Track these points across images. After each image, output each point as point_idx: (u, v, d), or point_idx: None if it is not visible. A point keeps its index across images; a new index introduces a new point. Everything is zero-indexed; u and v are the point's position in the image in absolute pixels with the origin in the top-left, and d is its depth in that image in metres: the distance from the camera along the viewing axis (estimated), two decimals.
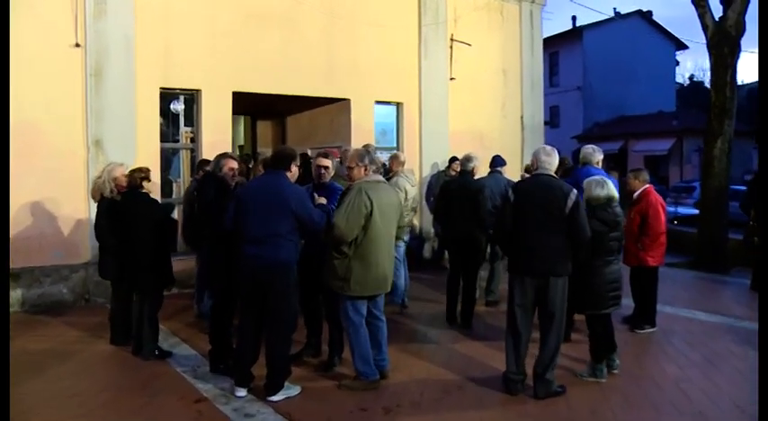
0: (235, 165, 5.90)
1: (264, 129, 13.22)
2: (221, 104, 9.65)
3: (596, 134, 36.36)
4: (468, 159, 7.87)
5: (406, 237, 8.22)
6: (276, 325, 5.08)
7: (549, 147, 5.40)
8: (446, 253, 11.61)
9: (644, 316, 7.18)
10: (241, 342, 5.20)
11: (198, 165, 7.99)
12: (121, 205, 6.26)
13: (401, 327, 7.48)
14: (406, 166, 11.37)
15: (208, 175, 6.10)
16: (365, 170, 5.32)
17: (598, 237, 5.37)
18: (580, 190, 5.55)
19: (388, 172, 8.52)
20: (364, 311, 5.37)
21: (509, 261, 5.42)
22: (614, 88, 38.34)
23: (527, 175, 8.27)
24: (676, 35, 40.54)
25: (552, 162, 5.28)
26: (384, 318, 5.57)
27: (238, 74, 9.76)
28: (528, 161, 13.06)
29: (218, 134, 9.58)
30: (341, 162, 7.20)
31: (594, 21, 38.86)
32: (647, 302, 7.20)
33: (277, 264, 5.00)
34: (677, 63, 43.30)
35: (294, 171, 5.27)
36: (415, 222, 11.47)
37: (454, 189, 7.71)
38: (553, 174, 5.29)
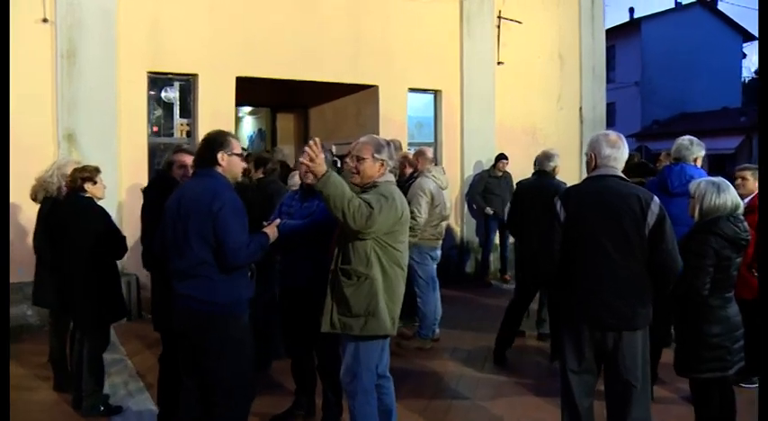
0: (188, 160, 4.34)
1: (286, 123, 11.73)
2: (222, 91, 8.15)
3: (655, 132, 34.07)
4: (547, 157, 6.26)
5: (435, 253, 6.55)
6: (216, 397, 3.44)
7: (613, 135, 3.54)
8: (488, 267, 10.02)
9: (754, 365, 5.33)
10: (181, 416, 3.61)
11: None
12: (58, 211, 4.82)
13: (426, 372, 5.85)
14: (443, 163, 9.86)
15: (157, 176, 4.57)
16: (381, 167, 3.66)
17: (722, 264, 3.69)
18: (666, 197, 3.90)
19: (404, 171, 6.95)
20: (379, 368, 3.74)
21: (559, 304, 3.74)
22: (675, 83, 35.95)
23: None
24: (743, 25, 37.74)
25: (620, 156, 3.50)
26: (391, 377, 3.91)
27: (243, 55, 8.24)
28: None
29: (217, 125, 7.94)
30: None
31: (653, 12, 36.76)
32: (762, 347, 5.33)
33: (205, 310, 3.39)
34: (744, 55, 40.42)
35: (228, 164, 3.51)
36: (455, 227, 9.85)
37: (528, 194, 6.14)
38: (621, 174, 3.53)
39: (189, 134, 8.17)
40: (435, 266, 6.66)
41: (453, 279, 9.52)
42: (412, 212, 6.07)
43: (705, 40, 36.09)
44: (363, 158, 3.59)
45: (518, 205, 6.21)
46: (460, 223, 10.12)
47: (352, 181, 3.68)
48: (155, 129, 8.02)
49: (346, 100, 10.17)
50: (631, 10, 39.94)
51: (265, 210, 4.76)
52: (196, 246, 3.28)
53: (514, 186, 9.44)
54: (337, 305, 3.53)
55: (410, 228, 6.05)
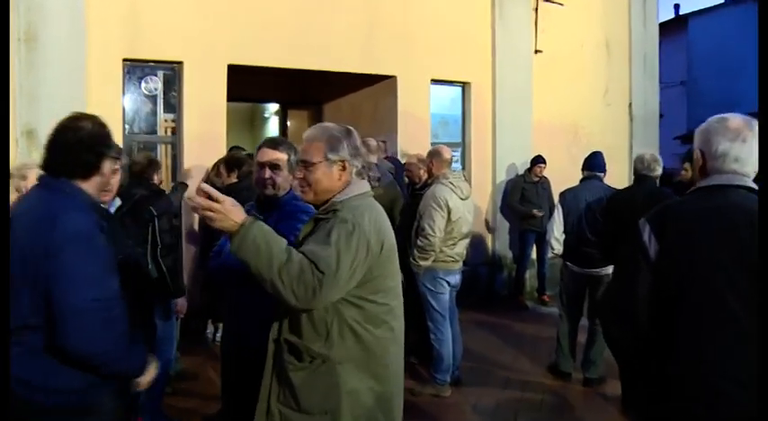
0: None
1: (298, 120, 10.57)
2: (212, 82, 7.01)
3: None
4: (655, 159, 4.98)
5: (453, 279, 5.30)
6: None
7: (736, 119, 2.11)
8: (525, 286, 8.70)
9: None
10: None
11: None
12: None
13: None
14: (471, 167, 8.60)
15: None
16: (342, 171, 2.41)
17: None
18: None
19: (419, 176, 5.78)
20: None
21: (646, 404, 2.14)
22: (723, 83, 33.73)
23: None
24: None
25: (746, 154, 2.08)
26: None
27: (236, 40, 7.09)
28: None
29: (207, 122, 6.95)
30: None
31: (701, 8, 34.89)
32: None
33: (18, 397, 2.10)
34: None
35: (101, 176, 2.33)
36: (485, 240, 8.59)
37: (630, 207, 4.44)
38: (752, 184, 2.09)
39: (174, 131, 7.05)
40: (455, 293, 5.42)
41: (482, 299, 8.26)
42: (423, 229, 4.86)
43: (756, 37, 34.06)
44: (312, 164, 2.37)
45: (614, 224, 4.72)
46: (491, 235, 8.83)
47: (304, 199, 2.48)
48: (131, 126, 6.90)
49: (362, 94, 8.97)
50: (677, 6, 38.06)
51: None
52: (18, 301, 2.06)
53: (553, 193, 8.24)
54: (279, 388, 2.30)
55: (422, 248, 4.90)
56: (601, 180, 5.76)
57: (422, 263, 5.09)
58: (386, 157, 7.12)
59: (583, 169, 5.87)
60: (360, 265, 2.19)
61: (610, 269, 5.20)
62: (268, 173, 3.03)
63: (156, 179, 4.71)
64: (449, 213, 5.03)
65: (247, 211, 3.08)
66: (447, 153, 5.33)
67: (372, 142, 5.54)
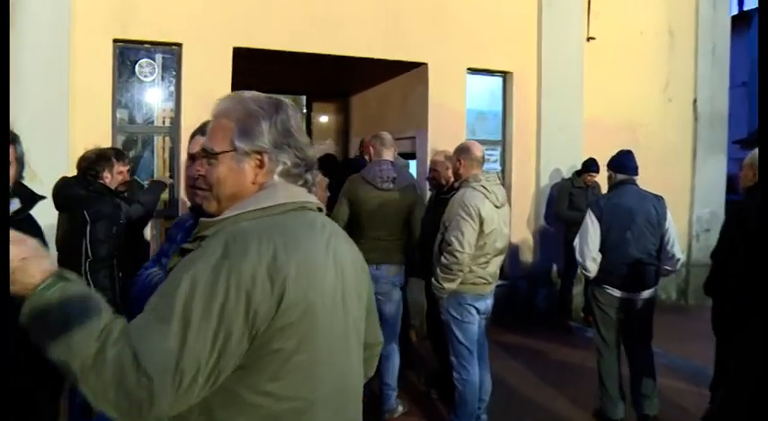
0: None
1: (324, 114, 9.72)
2: (216, 67, 6.17)
3: None
4: None
5: (484, 304, 4.33)
6: None
7: None
8: (569, 300, 7.67)
9: None
10: None
11: None
12: None
13: None
14: (511, 168, 7.60)
15: None
16: (258, 168, 1.54)
17: None
18: None
19: (445, 178, 4.86)
20: None
21: None
22: None
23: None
24: None
25: None
26: None
27: (244, 20, 6.26)
28: (703, 164, 8.75)
29: (208, 111, 6.07)
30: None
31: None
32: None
33: None
34: None
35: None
36: (526, 252, 7.62)
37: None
38: None
39: (173, 121, 6.24)
40: (486, 321, 4.46)
41: (520, 318, 7.26)
42: (449, 244, 3.93)
43: None
44: (215, 155, 1.51)
45: (736, 241, 3.83)
46: (533, 245, 7.81)
47: (206, 210, 1.57)
48: (124, 115, 6.11)
49: (390, 84, 8.06)
50: (740, 2, 36.12)
51: None
52: None
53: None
54: None
55: (447, 267, 3.97)
56: (637, 185, 4.74)
57: (446, 285, 4.14)
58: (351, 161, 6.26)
59: (614, 170, 4.81)
60: (231, 341, 1.28)
61: (647, 292, 4.62)
62: (200, 169, 2.12)
63: (107, 177, 3.90)
64: (481, 224, 4.08)
65: (179, 224, 2.23)
66: (477, 150, 4.35)
67: (387, 136, 4.62)
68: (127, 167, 4.61)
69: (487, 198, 4.16)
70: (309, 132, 9.71)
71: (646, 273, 4.56)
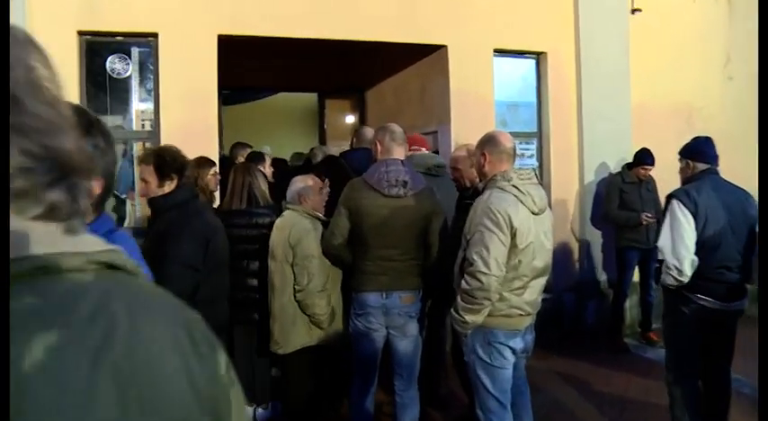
0: None
1: (338, 111, 8.80)
2: (198, 59, 5.31)
3: None
4: None
5: (520, 342, 3.31)
6: None
7: None
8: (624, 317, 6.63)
9: None
10: None
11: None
12: None
13: None
14: (550, 165, 6.59)
15: None
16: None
17: None
18: None
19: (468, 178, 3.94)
20: None
21: None
22: None
23: None
24: None
25: None
26: None
27: (227, 2, 5.37)
28: None
29: (193, 111, 5.26)
30: None
31: None
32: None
33: None
34: None
35: None
36: (572, 258, 6.63)
37: None
38: None
39: (152, 125, 5.37)
40: (525, 361, 3.47)
41: (567, 337, 6.25)
42: (471, 263, 2.98)
43: None
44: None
45: None
46: (579, 252, 6.78)
47: None
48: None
49: (408, 73, 7.10)
50: None
51: None
52: None
53: (661, 197, 6.17)
54: None
55: (468, 294, 3.01)
56: (720, 175, 3.91)
57: (469, 318, 3.17)
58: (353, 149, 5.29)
59: (691, 159, 3.95)
60: None
61: (741, 303, 3.80)
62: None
63: None
64: (513, 236, 3.11)
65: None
66: (506, 140, 3.37)
67: (397, 129, 3.66)
68: None
69: (521, 201, 3.18)
70: (323, 133, 8.83)
71: (742, 279, 3.75)
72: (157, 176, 2.99)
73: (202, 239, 2.91)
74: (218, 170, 4.85)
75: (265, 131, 12.70)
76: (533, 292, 3.27)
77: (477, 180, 3.87)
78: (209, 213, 3.07)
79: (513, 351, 3.25)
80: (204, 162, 4.79)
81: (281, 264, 3.86)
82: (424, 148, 4.86)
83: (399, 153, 3.63)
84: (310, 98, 9.44)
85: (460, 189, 4.02)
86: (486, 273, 3.06)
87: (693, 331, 3.73)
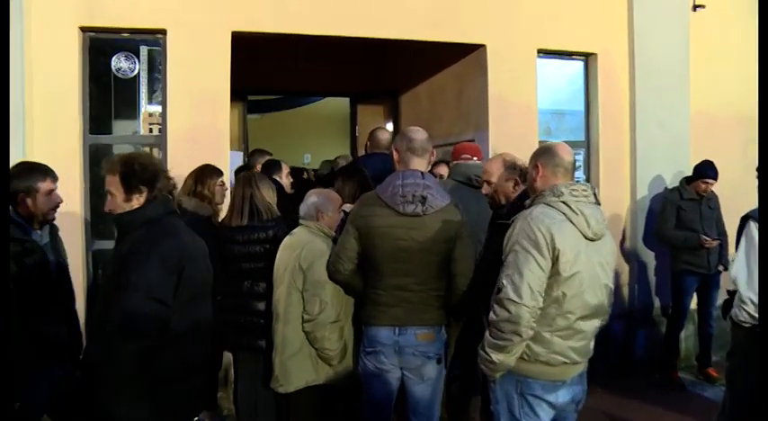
0: None
1: (370, 117, 8.28)
2: (210, 58, 4.86)
3: None
4: None
5: (566, 396, 2.73)
6: None
7: None
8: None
9: None
10: None
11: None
12: None
13: None
14: (598, 178, 5.98)
15: None
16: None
17: None
18: None
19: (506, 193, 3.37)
20: None
21: None
22: None
23: None
24: None
25: None
26: None
27: None
28: None
29: (201, 115, 4.81)
30: None
31: None
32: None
33: None
34: None
35: None
36: (620, 283, 6.02)
37: None
38: None
39: (161, 129, 4.94)
40: (573, 417, 2.87)
41: (615, 370, 5.62)
42: (500, 289, 2.41)
43: None
44: None
45: None
46: (630, 276, 6.12)
47: None
48: (97, 123, 4.87)
49: (444, 76, 6.55)
50: None
51: None
52: None
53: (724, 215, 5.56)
54: None
55: (497, 328, 2.50)
56: None
57: (496, 357, 2.61)
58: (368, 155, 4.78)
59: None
60: None
61: None
62: None
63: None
64: (555, 261, 2.56)
65: None
66: (565, 153, 2.82)
67: (418, 135, 3.10)
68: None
69: (571, 221, 2.63)
70: (354, 140, 8.34)
71: None
72: (123, 189, 2.51)
73: (174, 265, 2.41)
74: (225, 180, 4.39)
75: (304, 139, 12.29)
76: (583, 337, 2.70)
77: (514, 195, 3.32)
78: (186, 233, 2.56)
79: (552, 405, 2.67)
80: (210, 171, 4.33)
81: (286, 289, 3.36)
82: (475, 158, 4.35)
83: (419, 165, 3.07)
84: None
85: (494, 206, 3.45)
86: (516, 302, 2.52)
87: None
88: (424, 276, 2.97)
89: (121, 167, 2.51)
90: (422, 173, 3.01)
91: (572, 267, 2.60)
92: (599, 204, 2.79)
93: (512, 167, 3.33)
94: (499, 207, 3.41)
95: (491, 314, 2.61)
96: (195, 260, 2.52)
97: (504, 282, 2.56)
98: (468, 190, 4.04)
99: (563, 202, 2.67)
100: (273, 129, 11.84)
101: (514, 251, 2.60)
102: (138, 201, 2.51)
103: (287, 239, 3.47)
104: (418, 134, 3.10)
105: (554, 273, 2.59)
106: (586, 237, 2.67)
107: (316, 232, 3.39)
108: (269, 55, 7.03)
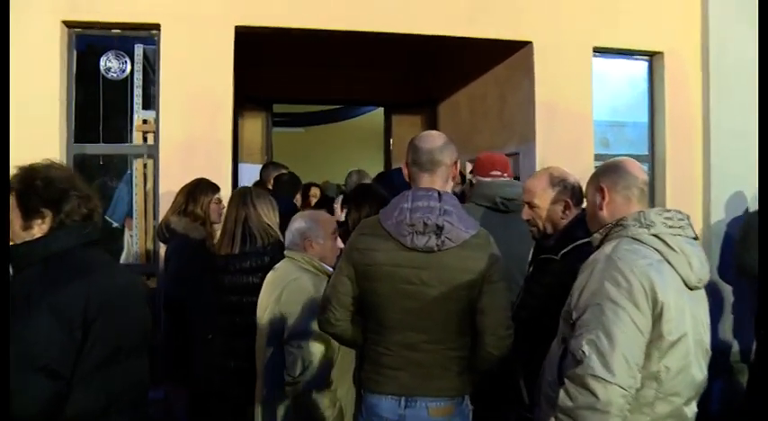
0: None
1: (405, 128, 7.53)
2: (209, 56, 4.22)
3: None
4: None
5: None
6: None
7: None
8: None
9: None
10: None
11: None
12: None
13: None
14: (677, 195, 5.14)
15: None
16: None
17: None
18: None
19: (537, 223, 2.64)
20: None
21: None
22: None
23: None
24: None
25: None
26: None
27: None
28: None
29: (200, 122, 4.17)
30: None
31: None
32: None
33: None
34: None
35: None
36: None
37: None
38: None
39: (155, 137, 4.31)
40: None
41: None
42: (580, 360, 1.63)
43: None
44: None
45: None
46: None
47: None
48: (83, 130, 4.28)
49: (485, 80, 5.80)
50: None
51: None
52: None
53: None
54: None
55: (571, 416, 1.84)
56: None
57: None
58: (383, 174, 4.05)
59: None
60: None
61: None
62: None
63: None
64: (656, 318, 1.86)
65: None
66: (637, 170, 2.13)
67: (428, 143, 2.31)
68: None
69: (669, 262, 1.93)
70: (388, 154, 7.63)
71: None
72: (21, 212, 1.84)
73: (76, 318, 1.70)
74: (223, 197, 3.75)
75: (341, 152, 11.63)
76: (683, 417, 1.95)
77: (564, 222, 2.54)
78: (106, 271, 1.85)
79: None
80: (205, 186, 3.71)
81: (265, 340, 2.66)
82: (506, 174, 3.57)
83: (429, 182, 2.31)
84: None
85: (537, 236, 2.66)
86: (605, 381, 1.78)
87: None
88: (439, 332, 2.20)
89: (18, 184, 1.84)
90: (438, 193, 2.26)
91: (678, 328, 1.88)
92: (697, 239, 2.03)
93: (561, 185, 2.56)
94: (544, 236, 2.63)
95: (562, 397, 1.84)
96: (113, 309, 1.81)
97: (586, 349, 1.81)
98: (493, 215, 3.27)
99: (656, 236, 1.95)
100: (316, 143, 11.24)
101: (597, 305, 1.86)
102: (39, 228, 1.84)
103: (269, 275, 2.78)
104: (427, 142, 2.32)
105: (654, 337, 1.85)
106: (688, 285, 1.94)
107: (303, 266, 2.68)
108: (294, 60, 6.44)
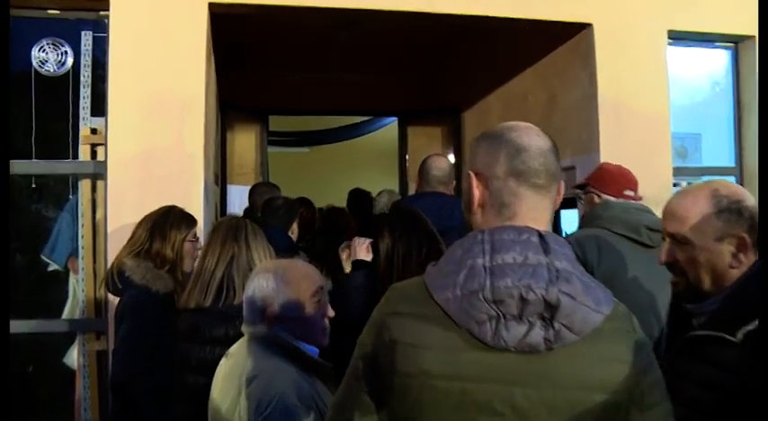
0: None
1: (426, 139, 6.50)
2: (177, 44, 3.20)
3: None
4: None
5: None
6: None
7: None
8: None
9: None
10: None
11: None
12: None
13: None
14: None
15: None
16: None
17: None
18: None
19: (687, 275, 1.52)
20: None
21: None
22: None
23: None
24: None
25: None
26: None
27: None
28: None
29: (161, 132, 3.14)
30: None
31: None
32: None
33: None
34: None
35: None
36: None
37: None
38: None
39: (106, 152, 3.29)
40: None
41: None
42: None
43: None
44: None
45: None
46: None
47: None
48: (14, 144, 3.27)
49: (527, 77, 4.76)
50: None
51: None
52: None
53: None
54: None
55: None
56: None
57: None
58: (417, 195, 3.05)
59: None
60: None
61: None
62: None
63: None
64: None
65: None
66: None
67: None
68: None
69: None
70: (403, 170, 6.60)
71: None
72: None
73: None
74: (197, 233, 2.71)
75: (348, 173, 10.58)
76: None
77: (731, 275, 1.48)
78: None
79: None
80: (177, 218, 2.67)
81: None
82: (633, 193, 2.67)
83: (533, 210, 1.21)
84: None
85: (685, 293, 1.57)
86: None
87: None
88: None
89: None
90: (540, 234, 1.18)
91: None
92: None
93: (734, 212, 1.51)
94: (697, 297, 1.55)
95: None
96: None
97: None
98: (634, 250, 2.26)
99: None
100: (319, 162, 10.18)
101: None
102: None
103: (220, 366, 1.76)
104: (526, 137, 1.27)
105: None
106: None
107: (269, 348, 1.65)
108: (294, 63, 5.47)
